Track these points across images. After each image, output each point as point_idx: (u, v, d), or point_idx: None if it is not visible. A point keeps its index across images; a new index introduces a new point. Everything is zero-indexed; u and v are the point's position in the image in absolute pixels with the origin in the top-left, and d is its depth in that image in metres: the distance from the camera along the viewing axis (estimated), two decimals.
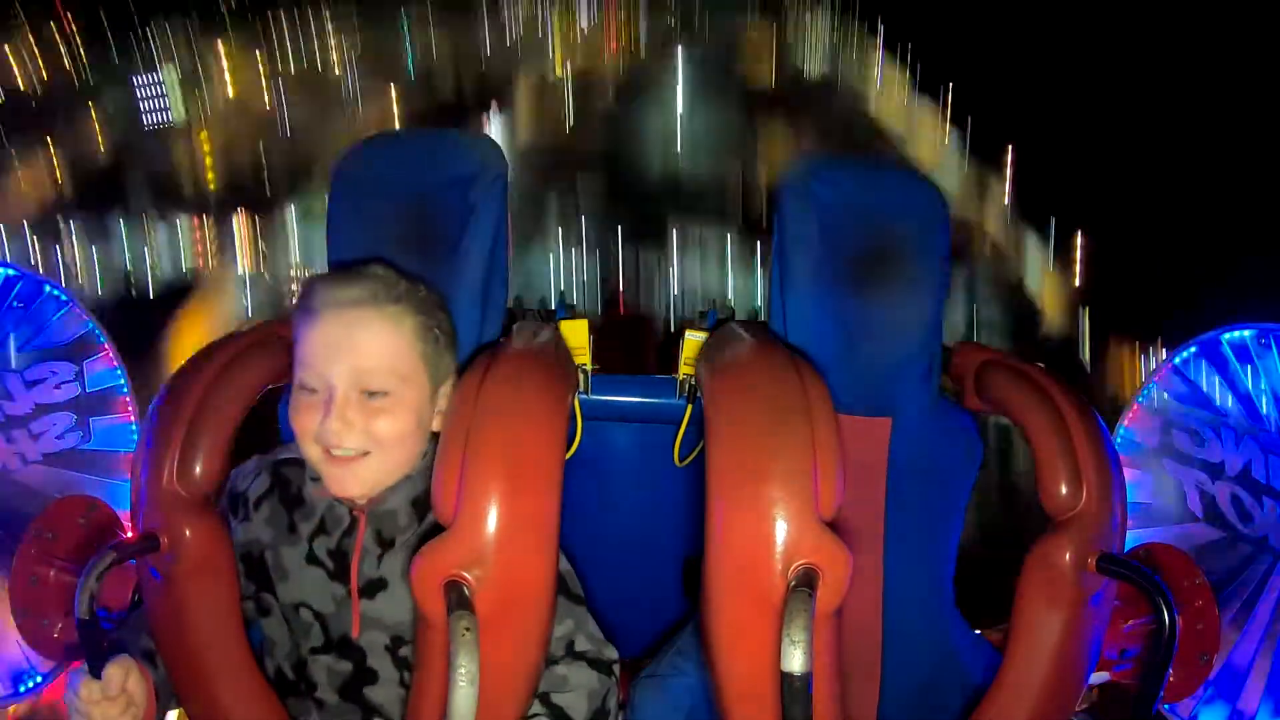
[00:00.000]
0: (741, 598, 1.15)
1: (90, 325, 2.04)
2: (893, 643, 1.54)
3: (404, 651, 1.32)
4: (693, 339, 1.71)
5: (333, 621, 1.34)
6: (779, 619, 1.08)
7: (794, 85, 12.15)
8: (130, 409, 2.05)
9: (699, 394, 1.45)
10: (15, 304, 1.98)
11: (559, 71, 12.23)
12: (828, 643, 1.16)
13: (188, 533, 1.26)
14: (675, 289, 11.45)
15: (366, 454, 1.27)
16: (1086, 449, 1.37)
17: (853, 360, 1.51)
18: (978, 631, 1.60)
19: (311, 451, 1.28)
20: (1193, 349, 2.00)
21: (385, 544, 1.33)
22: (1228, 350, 1.96)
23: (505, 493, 1.12)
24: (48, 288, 2.01)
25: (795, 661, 1.05)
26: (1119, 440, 2.06)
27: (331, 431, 1.24)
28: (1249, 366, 1.92)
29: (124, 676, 1.22)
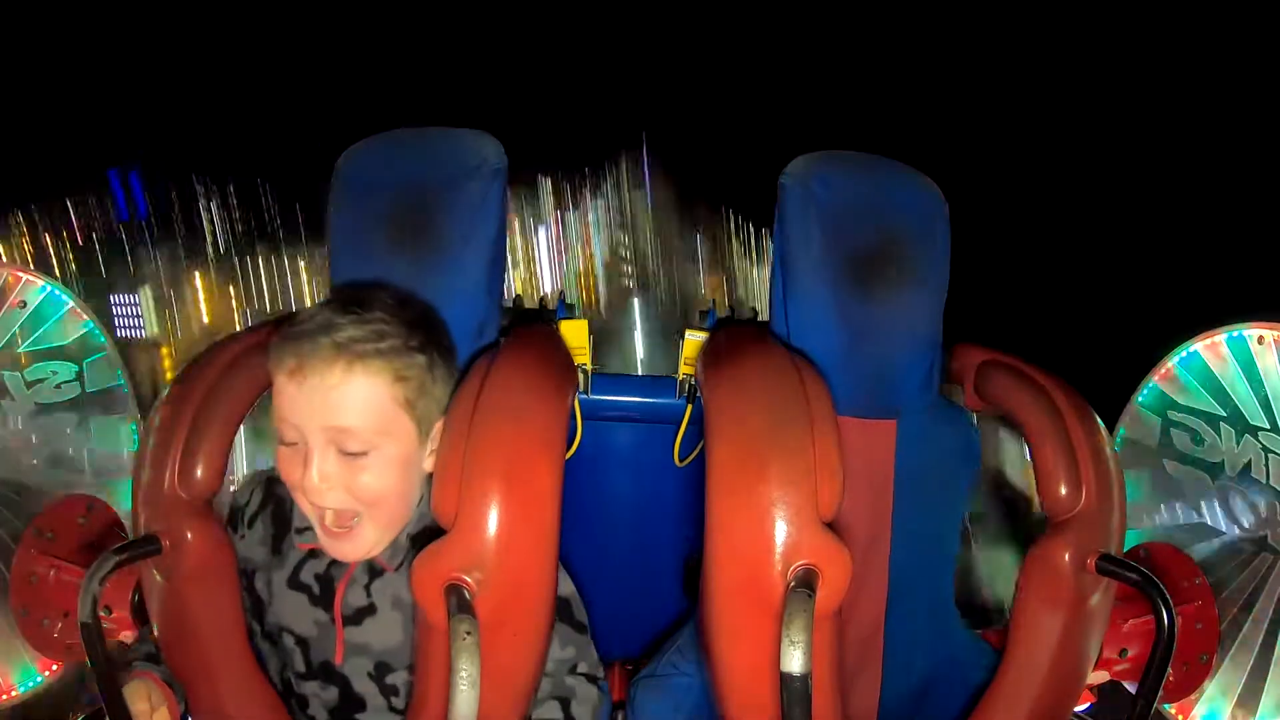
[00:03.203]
0: (741, 598, 1.15)
1: (90, 325, 2.04)
2: (894, 643, 1.54)
3: (390, 679, 1.30)
4: (693, 339, 1.71)
5: (315, 647, 1.32)
6: (779, 619, 1.08)
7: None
8: (130, 409, 2.04)
9: (699, 394, 1.45)
10: (18, 304, 1.98)
11: None
12: (827, 643, 1.16)
13: (189, 535, 1.26)
14: None
15: (358, 519, 1.22)
16: (1086, 449, 1.37)
17: (855, 361, 1.50)
18: (978, 631, 1.60)
19: (305, 506, 1.24)
20: (1193, 348, 2.00)
21: (376, 572, 1.30)
22: (1227, 349, 1.96)
23: (505, 495, 1.12)
24: (49, 287, 2.01)
25: (795, 662, 1.05)
26: (1118, 440, 2.06)
27: (312, 489, 1.19)
28: (1249, 366, 1.92)
29: (148, 698, 1.25)
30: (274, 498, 1.36)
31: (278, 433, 1.22)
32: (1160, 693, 1.35)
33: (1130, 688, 1.54)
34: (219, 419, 1.31)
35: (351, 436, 1.18)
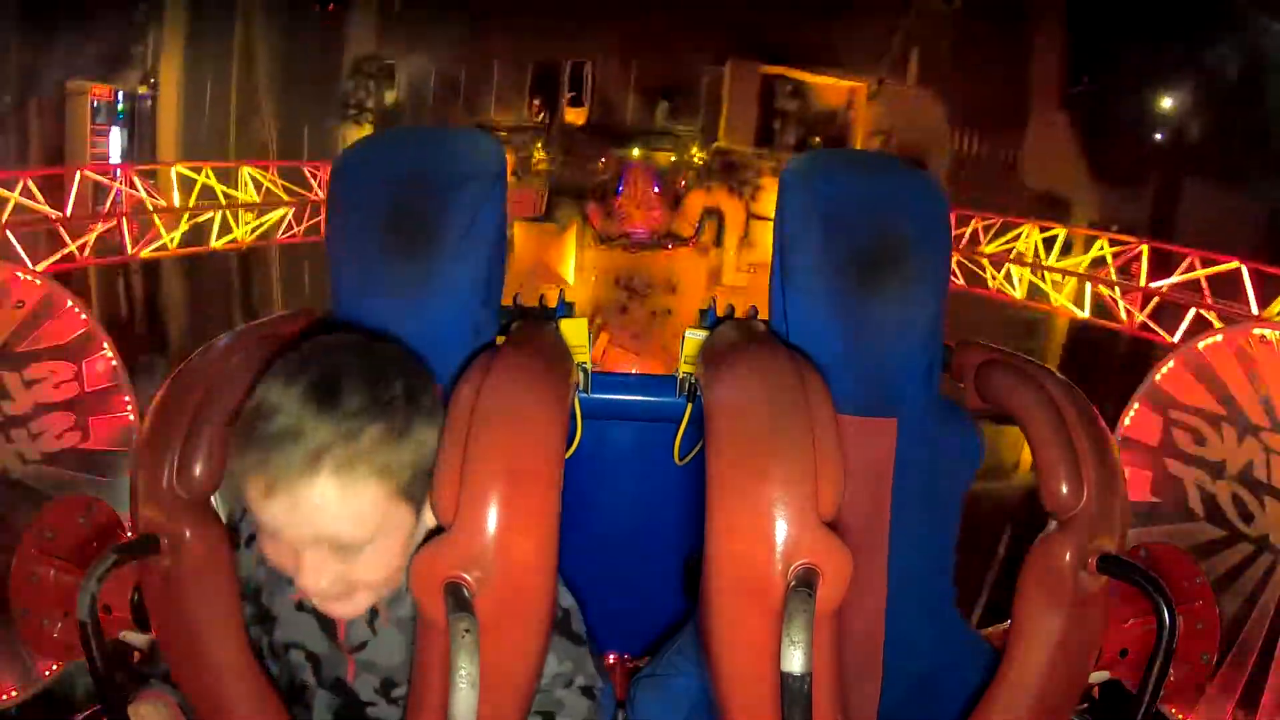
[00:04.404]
0: (741, 598, 1.15)
1: (90, 325, 2.04)
2: (894, 642, 1.54)
3: (396, 693, 1.30)
4: (693, 338, 1.71)
5: (326, 663, 1.32)
6: (779, 619, 1.08)
7: None
8: (130, 409, 2.05)
9: (699, 393, 1.45)
10: (17, 304, 1.98)
11: None
12: (828, 643, 1.15)
13: (188, 534, 1.26)
14: None
15: (351, 594, 1.17)
16: (1087, 449, 1.37)
17: (856, 360, 1.50)
18: (978, 631, 1.60)
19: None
20: (1194, 348, 2.00)
21: (374, 611, 1.27)
22: (1228, 349, 1.96)
23: (505, 493, 1.12)
24: (48, 287, 2.01)
25: (795, 662, 1.05)
26: (1120, 439, 2.06)
27: (306, 587, 1.13)
28: (1249, 366, 1.92)
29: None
30: None
31: (257, 523, 1.14)
32: (1160, 693, 1.35)
33: (1130, 688, 1.53)
34: (217, 417, 1.30)
35: (341, 539, 1.11)
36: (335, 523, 1.09)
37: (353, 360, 1.12)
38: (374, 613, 1.28)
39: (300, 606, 1.31)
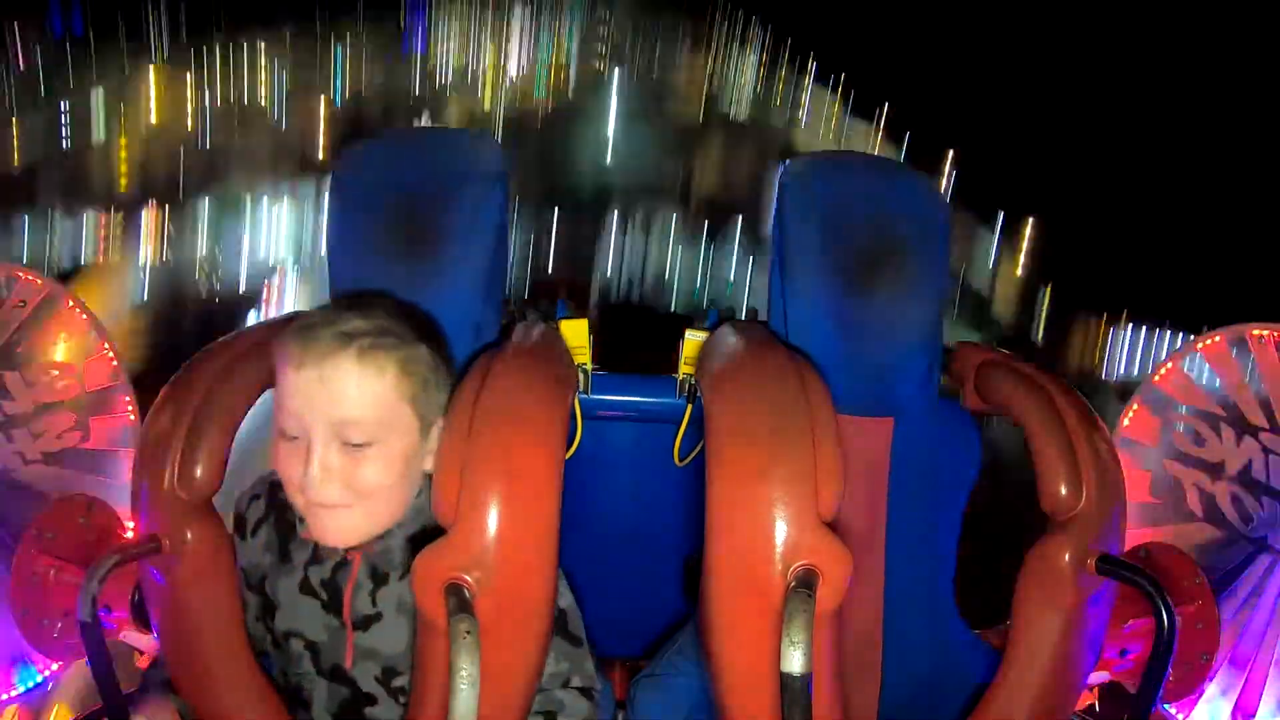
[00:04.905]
0: (741, 598, 1.15)
1: (91, 325, 2.04)
2: (893, 643, 1.55)
3: (397, 682, 1.31)
4: (693, 339, 1.71)
5: (325, 651, 1.33)
6: (779, 619, 1.08)
7: (722, 122, 12.95)
8: (131, 409, 2.05)
9: (699, 393, 1.45)
10: (18, 304, 1.98)
11: (488, 107, 13.11)
12: (827, 643, 1.16)
13: (189, 535, 1.26)
14: (609, 269, 11.48)
15: (350, 505, 1.23)
16: (1086, 449, 1.37)
17: (854, 360, 1.51)
18: (978, 631, 1.60)
19: (296, 499, 1.24)
20: (1194, 348, 2.00)
21: (380, 579, 1.30)
22: (1228, 349, 1.96)
23: (505, 495, 1.12)
24: (48, 286, 2.01)
25: (795, 662, 1.05)
26: (1118, 440, 2.06)
27: (312, 483, 1.19)
28: (1249, 366, 1.92)
29: None
30: (277, 504, 1.36)
31: (277, 428, 1.22)
32: (1160, 693, 1.35)
33: (1130, 688, 1.54)
34: (218, 419, 1.31)
35: (355, 427, 1.19)
36: (353, 405, 1.19)
37: (386, 304, 1.28)
38: (376, 582, 1.29)
39: (303, 588, 1.32)
